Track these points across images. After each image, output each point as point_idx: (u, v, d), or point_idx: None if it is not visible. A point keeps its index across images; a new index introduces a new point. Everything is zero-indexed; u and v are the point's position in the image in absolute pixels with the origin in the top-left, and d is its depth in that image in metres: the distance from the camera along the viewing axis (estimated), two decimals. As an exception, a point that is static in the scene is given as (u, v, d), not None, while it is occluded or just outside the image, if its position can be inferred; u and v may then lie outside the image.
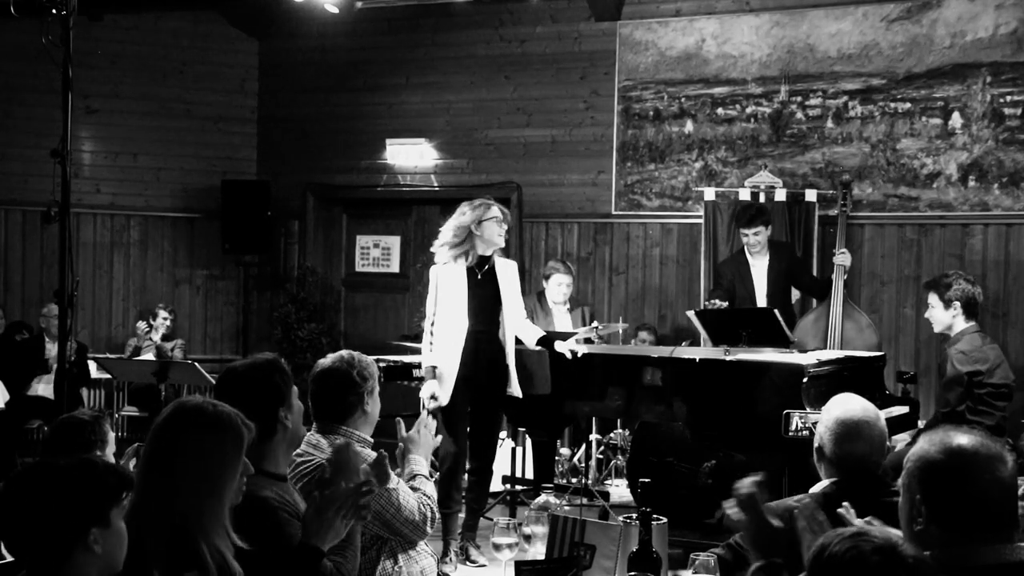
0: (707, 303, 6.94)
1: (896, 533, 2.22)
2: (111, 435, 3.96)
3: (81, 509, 2.20)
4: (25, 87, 9.03)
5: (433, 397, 5.67)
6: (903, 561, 1.96)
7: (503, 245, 5.90)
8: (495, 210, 5.78)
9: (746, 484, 2.57)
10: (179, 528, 2.46)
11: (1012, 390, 5.87)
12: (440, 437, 3.69)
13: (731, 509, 2.57)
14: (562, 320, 7.60)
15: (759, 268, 6.98)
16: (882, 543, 1.98)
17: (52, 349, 7.83)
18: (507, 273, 5.92)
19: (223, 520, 2.55)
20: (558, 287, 7.57)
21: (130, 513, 2.40)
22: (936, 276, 6.32)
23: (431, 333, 5.76)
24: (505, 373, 5.84)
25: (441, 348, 5.72)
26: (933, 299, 5.98)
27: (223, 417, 2.63)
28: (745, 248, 7.00)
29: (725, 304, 6.64)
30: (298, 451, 3.30)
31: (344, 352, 3.53)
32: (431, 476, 3.54)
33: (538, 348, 5.96)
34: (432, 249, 5.87)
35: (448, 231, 5.78)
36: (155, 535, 2.45)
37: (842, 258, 6.79)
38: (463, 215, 5.76)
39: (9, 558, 2.36)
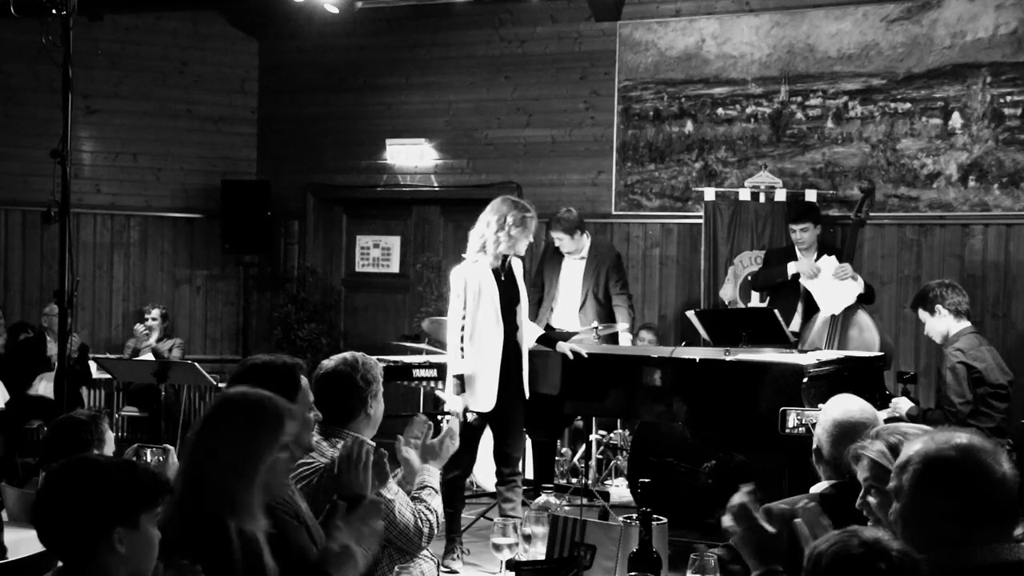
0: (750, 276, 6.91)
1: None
2: (110, 435, 3.96)
3: (109, 506, 2.21)
4: (25, 87, 9.03)
5: (467, 411, 5.53)
6: (885, 553, 1.99)
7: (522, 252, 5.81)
8: (533, 216, 5.70)
9: (738, 496, 2.58)
10: (210, 510, 2.49)
11: (1010, 392, 5.87)
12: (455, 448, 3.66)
13: (727, 522, 2.58)
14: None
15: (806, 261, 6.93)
16: (867, 538, 2.02)
17: (54, 348, 7.83)
18: (519, 271, 5.86)
19: (253, 504, 2.58)
20: None
21: (172, 499, 2.47)
22: (919, 291, 6.25)
23: (462, 339, 5.57)
24: (522, 372, 5.76)
25: (479, 353, 5.54)
26: (922, 315, 5.97)
27: (257, 400, 2.67)
28: (795, 243, 6.92)
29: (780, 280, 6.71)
30: (299, 451, 3.30)
31: (348, 354, 3.52)
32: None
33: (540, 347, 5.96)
34: (474, 244, 5.65)
35: (490, 229, 5.60)
36: (187, 517, 2.48)
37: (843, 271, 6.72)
38: (505, 212, 5.60)
39: (11, 557, 2.37)
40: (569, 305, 7.41)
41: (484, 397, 5.58)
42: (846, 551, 2.02)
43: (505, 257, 5.70)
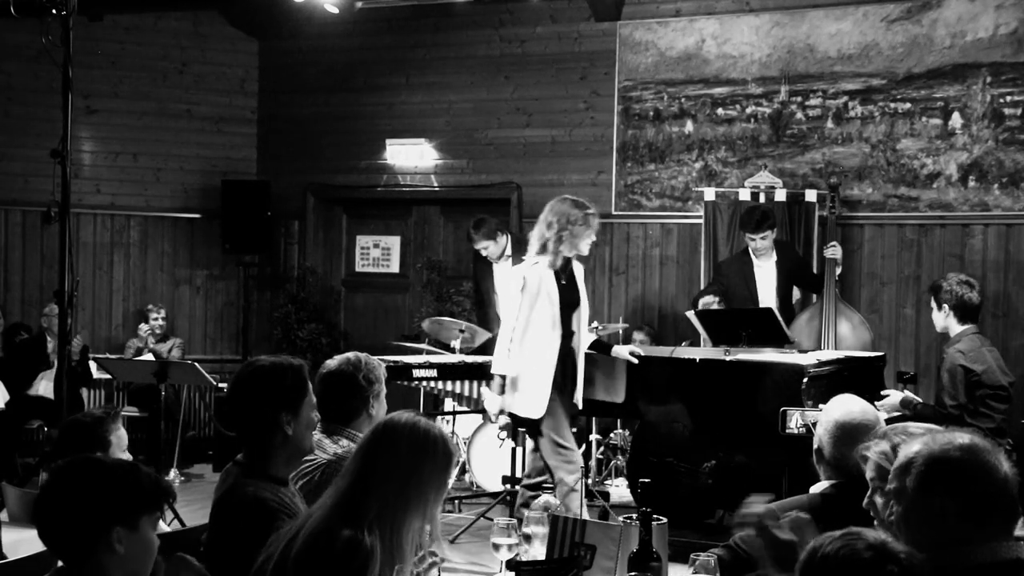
0: (699, 299, 6.99)
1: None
2: (121, 433, 3.95)
3: (110, 505, 2.22)
4: (25, 87, 9.03)
5: (501, 413, 5.42)
6: (895, 556, 1.98)
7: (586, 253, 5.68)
8: (595, 214, 5.58)
9: (757, 506, 2.60)
10: (362, 528, 2.46)
11: (1010, 393, 5.87)
12: None
13: (743, 533, 2.60)
14: None
15: (764, 270, 7.00)
16: (873, 540, 2.01)
17: (54, 347, 7.84)
18: (581, 274, 5.73)
19: (409, 535, 2.53)
20: None
21: (323, 512, 2.48)
22: (939, 279, 6.31)
23: (511, 340, 5.43)
24: (577, 380, 5.62)
25: (531, 357, 5.39)
26: (933, 302, 6.01)
27: (436, 435, 2.63)
28: (750, 251, 7.01)
29: (716, 301, 6.72)
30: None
31: (351, 354, 3.52)
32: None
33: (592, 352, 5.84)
34: (534, 246, 5.53)
35: (552, 230, 5.46)
36: (337, 533, 2.46)
37: (832, 251, 6.82)
38: (567, 212, 5.46)
39: (11, 557, 2.37)
40: (501, 305, 7.52)
41: (532, 402, 5.39)
42: (856, 554, 2.00)
43: (568, 259, 5.56)
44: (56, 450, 3.91)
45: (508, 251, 7.63)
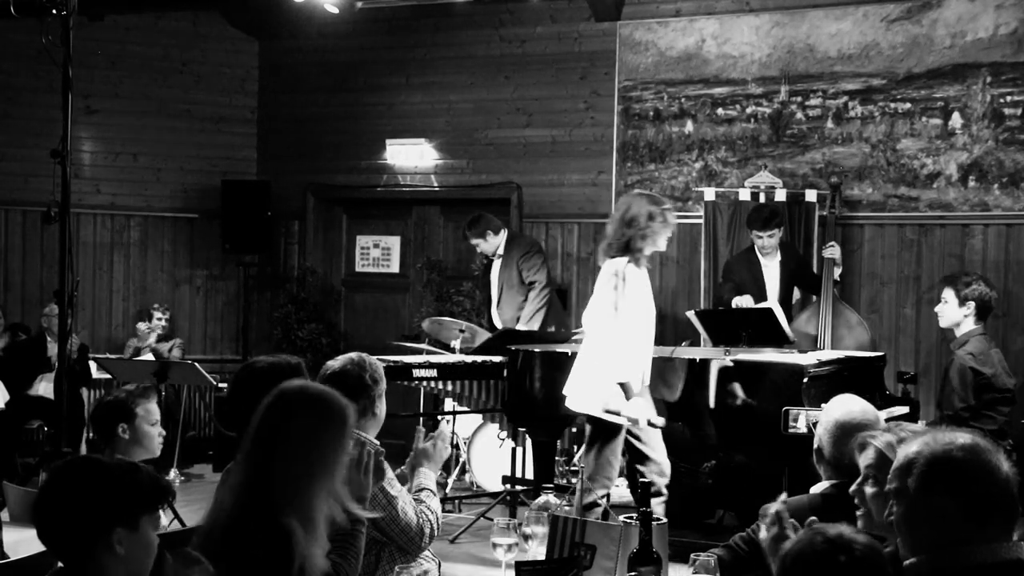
0: (727, 299, 6.89)
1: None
2: (151, 406, 4.07)
3: (110, 505, 2.21)
4: (25, 87, 9.03)
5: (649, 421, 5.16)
6: (847, 547, 2.06)
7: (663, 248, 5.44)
8: (671, 208, 5.38)
9: (774, 505, 2.63)
10: (274, 511, 2.47)
11: (1015, 395, 5.87)
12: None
13: (762, 533, 2.61)
14: None
15: (771, 268, 7.00)
16: (832, 534, 2.10)
17: (54, 348, 7.83)
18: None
19: (326, 502, 2.55)
20: None
21: (233, 496, 2.48)
22: (956, 272, 6.30)
23: (619, 343, 5.13)
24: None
25: (633, 359, 5.15)
26: (948, 294, 5.96)
27: (327, 396, 2.65)
28: (756, 248, 7.01)
29: (742, 299, 6.69)
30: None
31: (354, 355, 3.53)
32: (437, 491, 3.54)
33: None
34: (616, 243, 5.23)
35: (636, 227, 5.18)
36: (252, 519, 2.46)
37: (831, 251, 6.83)
38: (647, 207, 5.20)
39: (11, 557, 2.37)
40: (494, 304, 7.84)
41: (649, 406, 5.18)
42: (810, 548, 2.09)
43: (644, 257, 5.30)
44: (93, 430, 4.05)
45: (501, 250, 7.75)
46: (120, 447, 3.96)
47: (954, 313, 5.93)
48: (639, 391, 5.17)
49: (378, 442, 3.40)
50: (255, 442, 2.60)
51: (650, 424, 5.16)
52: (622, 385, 5.10)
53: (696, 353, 6.04)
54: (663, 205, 5.32)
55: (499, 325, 7.70)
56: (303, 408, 2.62)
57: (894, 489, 2.28)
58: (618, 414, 5.13)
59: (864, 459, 2.81)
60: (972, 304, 5.85)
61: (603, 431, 5.27)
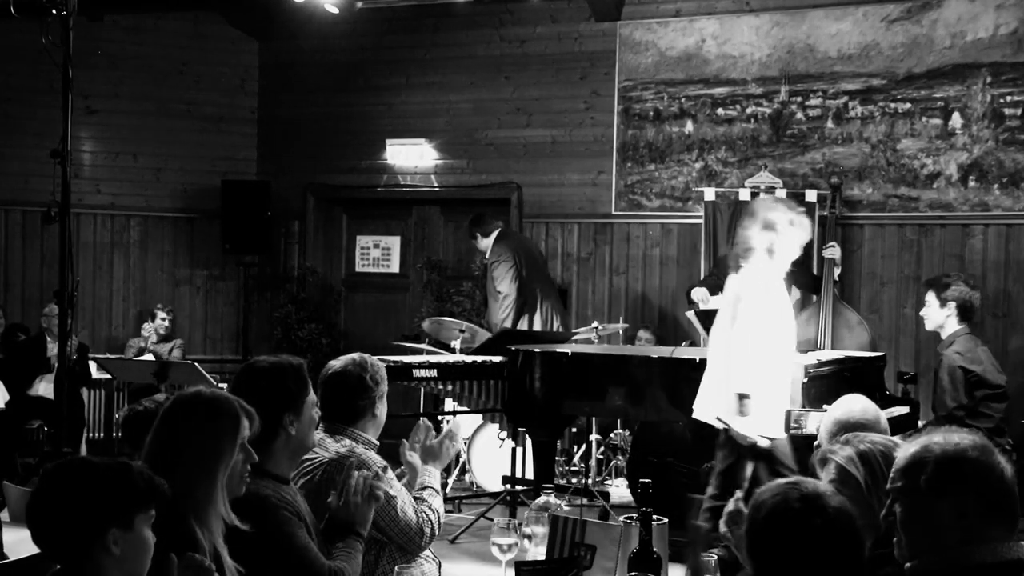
0: (691, 290, 6.85)
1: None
2: None
3: (103, 507, 2.21)
4: (25, 87, 9.03)
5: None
6: (823, 509, 2.10)
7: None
8: (806, 216, 5.17)
9: (731, 503, 2.62)
10: (174, 509, 2.48)
11: (1007, 391, 5.88)
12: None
13: (722, 527, 2.60)
14: None
15: None
16: (808, 491, 2.13)
17: (54, 348, 7.82)
18: None
19: (216, 502, 2.60)
20: None
21: None
22: (937, 275, 6.31)
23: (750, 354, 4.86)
24: None
25: (766, 373, 4.88)
26: (930, 297, 5.98)
27: (217, 401, 2.69)
28: None
29: (705, 295, 6.60)
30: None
31: (356, 355, 3.53)
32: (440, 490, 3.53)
33: None
34: (760, 250, 5.01)
35: (779, 234, 4.98)
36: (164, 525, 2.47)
37: (831, 251, 6.82)
38: (785, 214, 5.01)
39: (11, 557, 2.36)
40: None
41: (775, 421, 4.90)
42: (785, 504, 2.12)
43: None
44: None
45: (488, 253, 7.78)
46: None
47: (937, 315, 5.93)
48: (769, 403, 4.85)
49: (380, 458, 3.37)
50: (157, 455, 2.64)
51: (759, 440, 4.87)
52: (742, 396, 4.82)
53: (696, 353, 6.04)
54: (799, 210, 5.16)
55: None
56: (202, 411, 2.68)
57: (897, 489, 2.27)
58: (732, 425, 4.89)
59: (826, 475, 2.77)
60: (953, 305, 5.86)
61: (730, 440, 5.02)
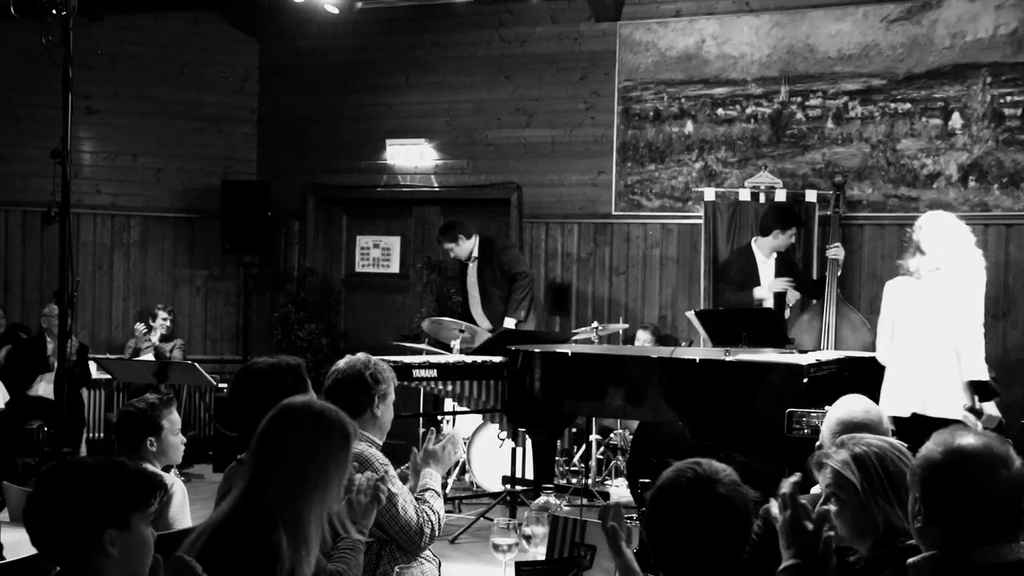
0: (731, 300, 6.97)
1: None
2: (174, 416, 4.16)
3: (99, 508, 2.20)
4: (25, 87, 9.03)
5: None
6: (710, 489, 2.24)
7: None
8: None
9: (786, 485, 2.60)
10: (261, 515, 2.46)
11: (996, 389, 5.86)
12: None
13: (773, 509, 2.59)
14: None
15: (767, 267, 7.02)
16: (703, 472, 2.28)
17: (54, 348, 7.83)
18: None
19: (315, 521, 2.53)
20: None
21: (228, 504, 2.48)
22: None
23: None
24: None
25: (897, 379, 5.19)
26: None
27: (327, 416, 2.64)
28: (756, 249, 7.04)
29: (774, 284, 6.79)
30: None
31: (361, 355, 3.55)
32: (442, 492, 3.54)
33: None
34: (958, 256, 5.21)
35: (955, 240, 5.21)
36: (241, 530, 2.45)
37: (835, 251, 6.83)
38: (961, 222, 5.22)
39: (11, 557, 2.36)
40: (476, 304, 7.99)
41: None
42: (677, 482, 2.30)
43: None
44: (117, 439, 4.10)
45: (475, 252, 7.93)
46: (146, 457, 3.98)
47: None
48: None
49: (383, 457, 3.37)
50: (254, 454, 2.60)
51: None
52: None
53: (696, 353, 6.03)
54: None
55: (484, 325, 7.73)
56: (303, 423, 2.61)
57: (918, 496, 2.26)
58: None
59: (823, 479, 2.77)
60: None
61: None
